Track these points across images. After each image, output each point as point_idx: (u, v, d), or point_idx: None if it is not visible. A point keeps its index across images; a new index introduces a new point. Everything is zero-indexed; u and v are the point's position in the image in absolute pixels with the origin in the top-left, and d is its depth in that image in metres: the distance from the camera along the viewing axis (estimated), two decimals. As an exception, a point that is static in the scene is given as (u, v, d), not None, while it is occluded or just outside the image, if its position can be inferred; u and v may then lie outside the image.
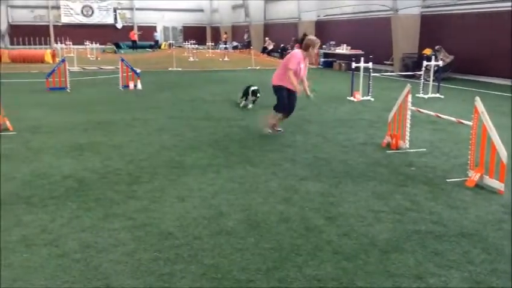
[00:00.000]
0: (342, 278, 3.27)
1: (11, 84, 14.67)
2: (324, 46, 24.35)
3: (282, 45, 29.33)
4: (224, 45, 36.22)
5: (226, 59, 27.87)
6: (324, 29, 26.59)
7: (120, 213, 4.35)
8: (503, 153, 4.96)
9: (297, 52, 7.37)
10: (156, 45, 43.32)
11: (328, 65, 23.26)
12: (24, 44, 43.19)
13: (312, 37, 7.40)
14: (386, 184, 5.31)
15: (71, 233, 3.92)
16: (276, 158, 6.37)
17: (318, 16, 27.50)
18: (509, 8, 15.57)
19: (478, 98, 5.28)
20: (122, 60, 14.37)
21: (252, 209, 4.51)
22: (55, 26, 47.44)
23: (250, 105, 10.64)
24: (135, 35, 42.68)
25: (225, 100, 11.94)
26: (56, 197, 4.78)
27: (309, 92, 7.57)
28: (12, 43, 45.15)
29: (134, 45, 41.26)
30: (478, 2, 16.93)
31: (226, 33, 41.89)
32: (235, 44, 38.00)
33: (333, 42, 24.11)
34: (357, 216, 4.38)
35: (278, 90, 7.50)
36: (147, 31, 48.50)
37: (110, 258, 3.48)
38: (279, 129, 7.94)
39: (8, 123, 7.87)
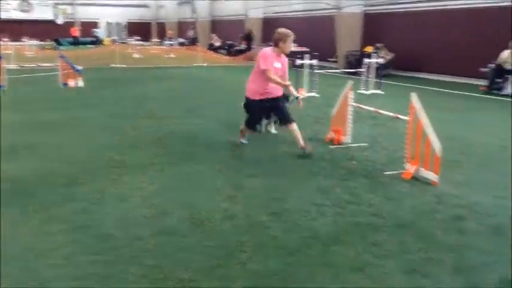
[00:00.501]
0: (285, 272, 3.31)
1: None
2: (270, 43, 24.56)
3: (229, 42, 29.29)
4: (170, 42, 35.74)
5: (171, 55, 27.50)
6: (271, 26, 26.75)
7: (58, 216, 4.20)
8: (437, 146, 5.18)
9: (265, 50, 6.45)
10: (98, 41, 42.08)
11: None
12: None
13: (281, 30, 6.39)
14: (329, 178, 5.43)
15: (10, 239, 3.75)
16: (222, 155, 6.36)
17: (265, 13, 27.67)
18: (443, 7, 16.31)
19: (413, 94, 5.49)
20: (61, 57, 13.88)
21: (196, 207, 4.48)
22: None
23: (273, 130, 7.79)
24: (76, 30, 41.30)
25: (170, 97, 11.79)
26: (-11, 200, 4.55)
27: (295, 92, 6.72)
28: None
29: (75, 42, 39.90)
30: (416, 1, 17.60)
31: (171, 29, 41.34)
32: (181, 40, 37.56)
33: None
34: (301, 211, 4.45)
35: (247, 104, 6.63)
36: (90, 27, 47.07)
37: (48, 262, 3.36)
38: (243, 140, 6.94)
39: None
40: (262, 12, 27.83)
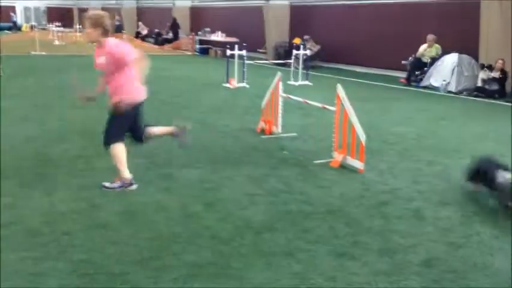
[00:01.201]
0: (219, 261, 3.36)
1: None
2: (199, 33, 24.33)
3: (156, 30, 28.65)
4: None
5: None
6: (199, 15, 26.52)
7: (-20, 212, 3.97)
8: (362, 135, 5.44)
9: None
10: (16, 27, 39.57)
11: (203, 51, 23.30)
12: None
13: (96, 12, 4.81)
14: (261, 168, 5.53)
15: None
16: (153, 147, 6.24)
17: (193, 2, 27.34)
18: (369, 1, 16.98)
19: (339, 85, 5.71)
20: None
21: (128, 200, 4.41)
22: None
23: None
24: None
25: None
26: None
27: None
28: None
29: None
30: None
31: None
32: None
33: (208, 29, 24.17)
34: (234, 200, 4.51)
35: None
36: (7, 12, 44.08)
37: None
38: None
39: None
40: (190, 1, 27.47)
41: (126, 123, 4.61)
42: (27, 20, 45.17)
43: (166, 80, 12.82)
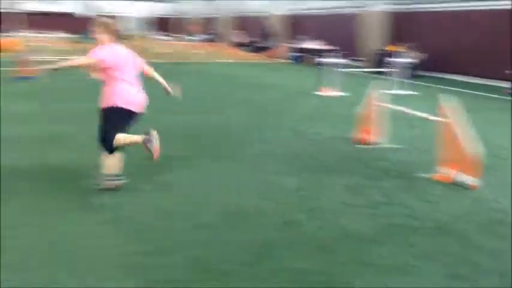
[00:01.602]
0: (322, 269, 3.32)
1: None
2: (293, 41, 24.48)
3: (252, 39, 29.27)
4: (192, 37, 35.91)
5: (195, 51, 27.62)
6: (294, 23, 26.71)
7: (96, 206, 4.26)
8: (476, 149, 5.10)
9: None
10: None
11: (298, 59, 23.37)
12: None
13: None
14: (357, 177, 5.40)
15: (57, 223, 3.88)
16: (247, 152, 6.36)
17: (290, 11, 27.60)
18: (478, 8, 16.06)
19: (444, 96, 5.41)
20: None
21: (227, 203, 4.50)
22: (12, 14, 45.83)
23: None
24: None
25: (196, 92, 11.85)
26: (35, 188, 4.66)
27: None
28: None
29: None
30: (448, 1, 17.35)
31: (198, 24, 41.51)
32: (203, 36, 37.71)
33: (303, 37, 24.24)
34: (332, 209, 4.45)
35: None
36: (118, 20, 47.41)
37: (91, 250, 3.44)
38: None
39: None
40: (286, 10, 27.75)
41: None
42: (137, 29, 48.35)
43: (259, 87, 13.05)
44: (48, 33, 30.94)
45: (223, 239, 3.72)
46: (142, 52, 22.31)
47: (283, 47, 24.67)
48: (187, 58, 23.07)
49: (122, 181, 4.72)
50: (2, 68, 14.05)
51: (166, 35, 32.20)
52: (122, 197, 4.52)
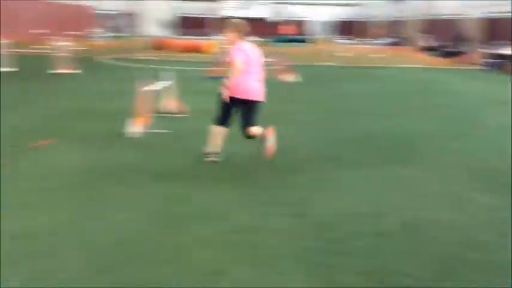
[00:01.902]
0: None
1: (174, 71, 16.06)
2: (489, 46, 22.37)
3: (443, 43, 27.59)
4: (377, 41, 35.29)
5: (378, 55, 27.13)
6: (493, 26, 24.36)
7: (279, 200, 4.52)
8: None
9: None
10: (307, 39, 43.88)
11: (495, 66, 21.23)
12: (189, 34, 46.83)
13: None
14: None
15: (238, 212, 4.21)
16: (433, 161, 6.06)
17: (484, 13, 25.28)
18: None
19: None
20: (277, 53, 14.84)
21: (412, 212, 4.36)
22: (217, 19, 50.57)
23: None
24: (288, 29, 43.83)
25: (381, 96, 11.66)
26: (223, 177, 5.16)
27: None
28: (179, 33, 49.29)
29: (287, 39, 42.35)
30: None
31: (382, 28, 40.72)
32: (388, 40, 36.76)
33: (501, 42, 22.00)
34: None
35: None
36: (301, 25, 49.32)
37: (272, 241, 3.66)
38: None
39: (179, 106, 8.63)
40: (480, 12, 25.48)
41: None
42: (318, 32, 49.54)
43: (447, 94, 12.27)
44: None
45: (402, 250, 3.61)
46: (321, 55, 22.80)
47: (477, 53, 22.73)
48: (368, 62, 22.83)
49: (218, 159, 5.64)
50: (198, 68, 15.71)
51: (349, 39, 32.19)
52: (304, 193, 4.72)
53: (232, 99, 5.43)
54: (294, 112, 9.28)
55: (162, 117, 8.11)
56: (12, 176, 4.97)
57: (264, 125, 7.88)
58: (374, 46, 33.05)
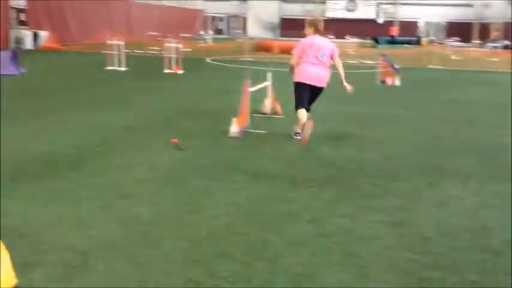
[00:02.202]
0: None
1: (278, 72, 16.23)
2: None
3: None
4: (493, 44, 32.85)
5: (494, 59, 25.25)
6: None
7: (377, 207, 4.39)
8: None
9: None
10: (415, 41, 42.10)
11: None
12: (292, 36, 47.22)
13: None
14: None
15: (331, 216, 4.15)
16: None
17: None
18: None
19: None
20: (383, 55, 14.41)
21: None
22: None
23: None
24: (394, 30, 42.42)
25: (493, 104, 10.86)
26: (317, 179, 5.12)
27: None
28: (282, 35, 49.98)
29: (392, 41, 41.01)
30: None
31: (497, 30, 37.89)
32: (507, 42, 34.05)
33: None
34: None
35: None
36: (409, 26, 47.52)
37: (368, 248, 3.56)
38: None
39: (278, 107, 8.74)
40: None
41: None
42: (427, 34, 47.36)
43: None
44: (345, 39, 33.00)
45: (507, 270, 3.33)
46: (429, 58, 21.76)
47: None
48: (479, 66, 21.34)
49: (299, 137, 6.59)
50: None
51: (459, 41, 30.31)
52: (401, 201, 4.54)
53: (298, 83, 6.66)
54: (397, 116, 8.96)
55: (260, 117, 8.27)
56: (122, 166, 5.37)
57: (363, 128, 7.74)
58: (486, 49, 30.79)
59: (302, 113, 6.53)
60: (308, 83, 6.57)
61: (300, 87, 6.63)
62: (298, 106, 6.62)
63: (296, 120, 6.69)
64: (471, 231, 3.94)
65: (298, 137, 6.60)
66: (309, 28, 6.72)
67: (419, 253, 3.50)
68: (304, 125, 6.36)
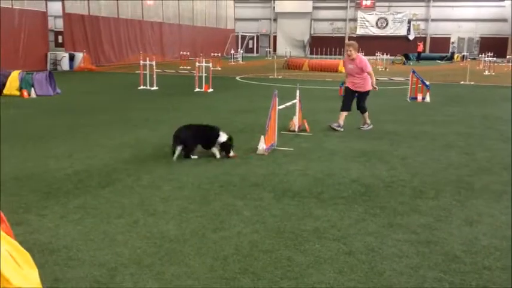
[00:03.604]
0: None
1: (308, 90, 16.28)
2: None
3: None
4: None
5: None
6: None
7: (404, 225, 4.34)
8: None
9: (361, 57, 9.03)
10: (446, 57, 41.50)
11: None
12: (322, 53, 47.34)
13: (349, 42, 9.15)
14: None
15: (357, 234, 4.12)
16: None
17: None
18: None
19: None
20: (413, 72, 14.27)
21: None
22: (350, 38, 50.45)
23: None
24: (420, 46, 41.98)
25: None
26: (344, 197, 5.10)
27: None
28: (311, 53, 50.11)
29: (419, 57, 40.58)
30: None
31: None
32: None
33: None
34: None
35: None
36: (441, 42, 46.96)
37: (394, 267, 3.51)
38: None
39: (306, 125, 8.76)
40: None
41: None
42: (460, 49, 46.64)
43: None
44: (376, 55, 32.83)
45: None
46: (461, 73, 21.32)
47: None
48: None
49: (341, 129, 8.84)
50: (329, 87, 15.64)
51: (494, 56, 29.63)
52: (430, 219, 4.46)
53: (350, 90, 9.03)
54: (426, 133, 8.83)
55: (288, 135, 8.29)
56: (150, 184, 5.48)
57: (392, 145, 7.67)
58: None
59: (343, 114, 9.04)
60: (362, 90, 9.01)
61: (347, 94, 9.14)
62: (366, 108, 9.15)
63: (338, 117, 9.01)
64: (501, 250, 3.84)
65: (338, 128, 8.85)
66: (354, 50, 8.74)
67: (446, 272, 3.44)
68: (367, 121, 9.24)
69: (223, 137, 6.61)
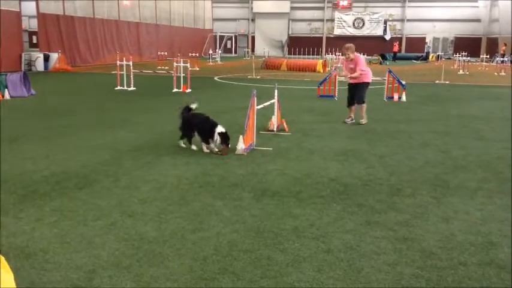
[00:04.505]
0: None
1: (286, 90, 16.34)
2: None
3: None
4: (501, 59, 32.77)
5: (502, 73, 25.19)
6: None
7: (381, 222, 4.39)
8: None
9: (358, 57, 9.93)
10: (422, 57, 42.16)
11: None
12: (300, 53, 47.54)
13: (347, 45, 9.94)
14: None
15: (336, 232, 4.16)
16: None
17: None
18: None
19: None
20: (389, 71, 14.45)
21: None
22: (328, 38, 50.91)
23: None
24: (396, 46, 42.58)
25: (500, 118, 10.81)
26: (322, 196, 5.14)
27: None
28: (289, 53, 50.31)
29: (395, 56, 41.13)
30: None
31: (505, 44, 37.84)
32: (513, 57, 33.96)
33: None
34: None
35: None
36: (417, 42, 47.65)
37: (372, 264, 3.55)
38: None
39: (284, 124, 8.80)
40: None
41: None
42: (435, 49, 47.42)
43: None
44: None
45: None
46: (437, 73, 21.67)
47: None
48: (488, 81, 21.28)
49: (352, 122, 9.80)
50: (306, 87, 15.74)
51: (468, 56, 30.17)
52: (407, 217, 4.53)
53: (353, 86, 9.92)
54: (402, 132, 8.95)
55: (267, 134, 8.31)
56: (128, 185, 5.42)
57: (370, 144, 7.76)
58: (496, 64, 30.69)
59: (349, 108, 10.03)
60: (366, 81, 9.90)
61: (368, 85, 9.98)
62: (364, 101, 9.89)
63: (347, 113, 10.01)
64: (476, 246, 3.92)
65: (350, 122, 9.84)
66: (351, 52, 9.71)
67: (423, 268, 3.49)
68: (364, 117, 9.90)
69: (222, 128, 6.92)
